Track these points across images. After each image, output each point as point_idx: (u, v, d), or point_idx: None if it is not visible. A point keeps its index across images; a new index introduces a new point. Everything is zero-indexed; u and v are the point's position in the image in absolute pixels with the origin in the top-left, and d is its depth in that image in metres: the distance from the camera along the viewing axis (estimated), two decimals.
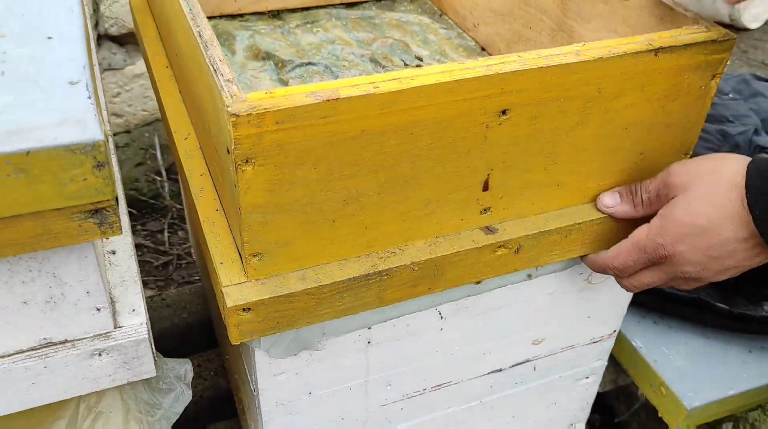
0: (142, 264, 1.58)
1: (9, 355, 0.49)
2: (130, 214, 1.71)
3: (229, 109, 0.46)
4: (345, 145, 0.51)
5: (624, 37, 0.57)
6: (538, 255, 0.64)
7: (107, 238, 0.46)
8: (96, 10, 1.56)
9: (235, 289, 0.55)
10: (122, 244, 0.58)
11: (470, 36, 0.96)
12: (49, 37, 0.48)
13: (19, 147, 0.38)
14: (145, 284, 1.52)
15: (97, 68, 0.78)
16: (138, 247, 1.62)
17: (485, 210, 0.61)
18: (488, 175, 0.58)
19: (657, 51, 0.56)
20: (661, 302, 1.06)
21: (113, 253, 0.57)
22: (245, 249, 0.53)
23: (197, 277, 1.53)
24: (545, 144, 0.58)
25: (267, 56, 0.90)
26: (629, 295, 0.79)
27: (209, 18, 0.98)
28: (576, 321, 0.78)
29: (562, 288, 0.73)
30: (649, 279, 0.61)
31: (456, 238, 0.60)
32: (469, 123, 0.54)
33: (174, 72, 0.78)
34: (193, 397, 0.66)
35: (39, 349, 0.49)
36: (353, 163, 0.52)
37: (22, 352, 0.49)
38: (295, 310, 0.56)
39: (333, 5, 1.04)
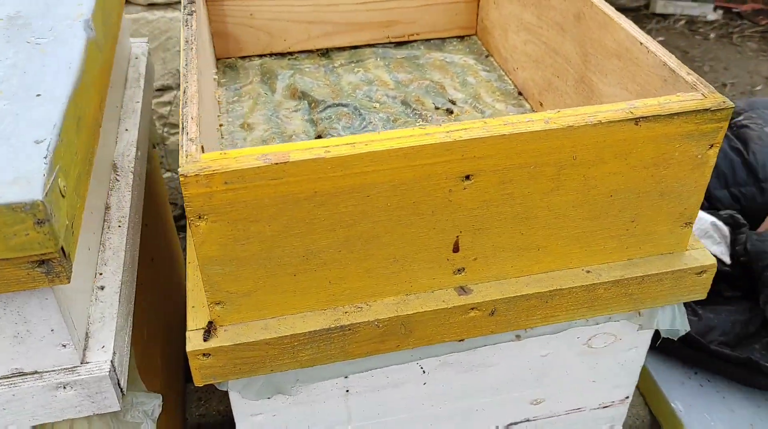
0: None
1: None
2: None
3: (180, 170, 0.49)
4: (298, 204, 0.52)
5: (604, 104, 0.54)
6: (516, 319, 0.62)
7: (57, 284, 0.49)
8: None
9: (198, 334, 0.57)
10: (112, 280, 0.62)
11: (510, 79, 0.95)
12: (38, 95, 0.53)
13: None
14: None
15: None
16: None
17: (459, 270, 0.60)
18: (457, 236, 0.57)
19: (638, 120, 0.53)
20: (707, 359, 1.00)
21: (102, 288, 0.61)
22: (207, 297, 0.56)
23: None
24: (518, 208, 0.57)
25: (302, 96, 0.93)
26: (640, 362, 0.74)
27: (259, 56, 1.02)
28: (578, 384, 0.74)
29: (557, 350, 0.70)
30: None
31: (427, 297, 0.60)
32: (429, 187, 0.53)
33: None
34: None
35: (10, 377, 0.54)
36: (308, 222, 0.53)
37: None
38: (256, 357, 0.58)
39: (382, 44, 1.06)
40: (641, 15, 2.63)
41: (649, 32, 2.54)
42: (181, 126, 0.53)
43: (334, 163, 0.50)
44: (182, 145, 0.51)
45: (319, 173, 0.51)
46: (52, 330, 0.52)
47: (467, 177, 0.54)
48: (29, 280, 0.47)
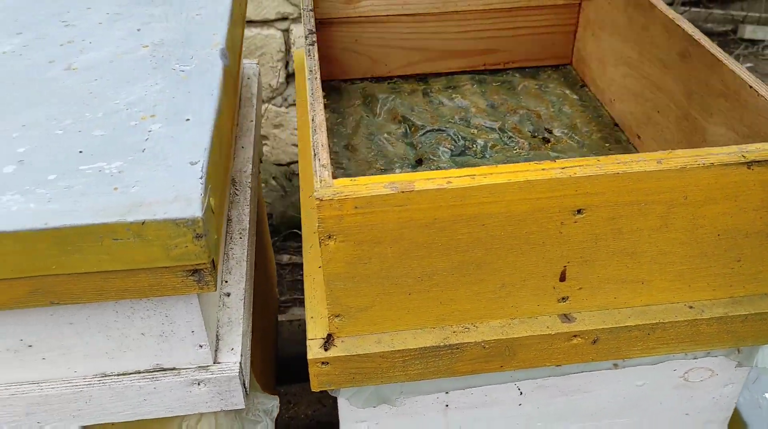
0: (298, 283, 1.72)
1: (128, 374, 0.60)
2: (295, 234, 1.88)
3: (315, 193, 0.53)
4: (418, 230, 0.56)
5: (716, 147, 0.56)
6: (618, 348, 0.64)
7: (205, 291, 0.55)
8: (287, 50, 1.76)
9: (318, 343, 0.62)
10: (237, 288, 0.68)
11: (606, 110, 0.97)
12: (187, 119, 0.59)
13: (136, 218, 0.48)
14: (295, 304, 1.66)
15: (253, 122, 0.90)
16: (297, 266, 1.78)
17: (563, 298, 0.62)
18: (565, 267, 0.60)
19: (750, 164, 0.55)
20: None
21: (228, 295, 0.67)
22: (328, 309, 0.60)
23: None
24: (626, 243, 0.59)
25: (403, 119, 0.97)
26: (735, 399, 0.75)
27: (360, 80, 1.08)
28: (672, 417, 0.75)
29: (654, 382, 0.71)
30: None
31: (532, 322, 0.63)
32: (542, 219, 0.56)
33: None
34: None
35: (152, 372, 0.60)
36: (426, 246, 0.57)
37: (139, 372, 0.60)
38: (369, 369, 0.62)
39: (478, 71, 1.09)
40: (729, 40, 2.57)
41: (737, 58, 2.48)
42: (312, 153, 0.58)
43: (454, 193, 0.54)
44: (316, 171, 0.56)
45: (441, 202, 0.54)
46: (192, 331, 0.58)
47: (579, 211, 0.56)
48: (182, 286, 0.52)
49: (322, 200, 0.53)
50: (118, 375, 0.59)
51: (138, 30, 0.73)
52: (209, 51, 0.69)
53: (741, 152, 0.55)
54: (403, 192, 0.54)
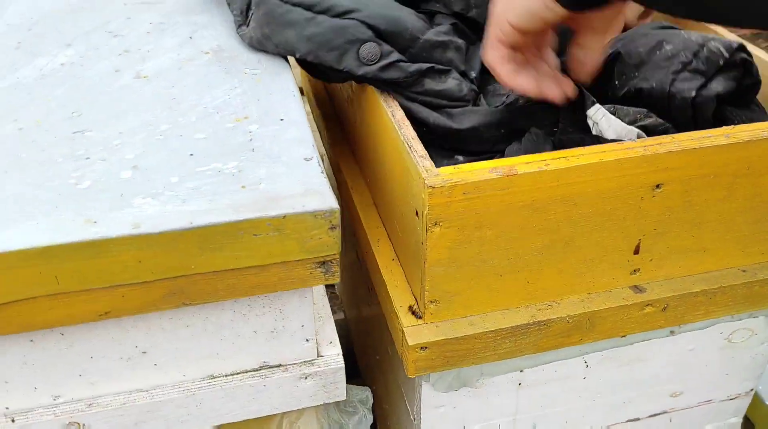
0: None
1: (237, 374, 0.60)
2: None
3: (426, 181, 0.56)
4: (517, 212, 0.59)
5: None
6: (684, 314, 0.69)
7: (330, 282, 0.56)
8: None
9: (414, 330, 0.64)
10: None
11: None
12: (281, 119, 0.60)
13: (277, 212, 0.49)
14: None
15: None
16: None
17: (635, 271, 0.67)
18: (640, 240, 0.65)
19: None
20: None
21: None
22: (425, 296, 0.63)
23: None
24: (694, 215, 0.64)
25: None
26: None
27: None
28: (714, 377, 0.81)
29: (703, 345, 0.77)
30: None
31: (608, 295, 0.67)
32: (626, 195, 0.61)
33: (343, 131, 0.90)
34: None
35: (259, 370, 0.60)
36: (522, 227, 0.60)
37: (246, 372, 0.60)
38: (462, 351, 0.65)
39: None
40: None
41: None
42: (406, 146, 0.60)
43: (552, 174, 0.58)
44: (417, 163, 0.58)
45: (539, 184, 0.58)
46: (302, 325, 0.59)
47: (657, 186, 0.61)
48: (310, 278, 0.54)
49: (434, 188, 0.56)
50: (227, 376, 0.60)
51: (190, 38, 0.73)
52: (271, 55, 0.70)
53: None
54: (507, 176, 0.57)
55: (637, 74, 0.71)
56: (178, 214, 0.49)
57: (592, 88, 0.70)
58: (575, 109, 0.67)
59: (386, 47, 0.65)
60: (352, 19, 0.64)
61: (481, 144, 0.68)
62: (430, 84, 0.66)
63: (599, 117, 0.62)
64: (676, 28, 0.76)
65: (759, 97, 0.73)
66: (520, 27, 0.61)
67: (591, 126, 0.66)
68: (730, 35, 0.78)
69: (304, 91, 1.09)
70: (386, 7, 0.68)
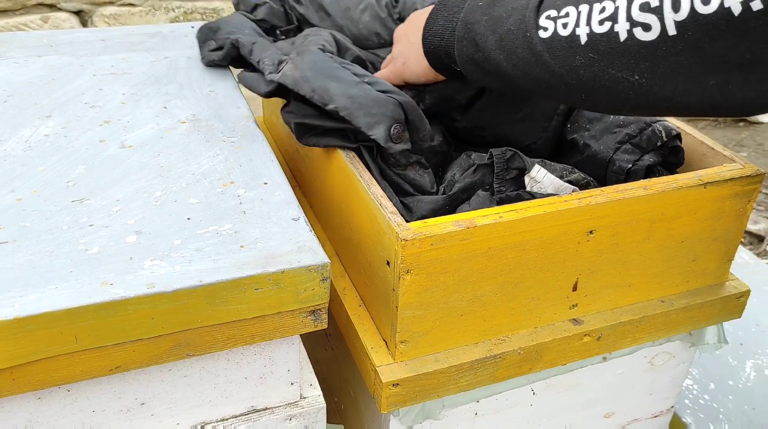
0: None
1: (227, 419, 0.65)
2: None
3: (399, 235, 0.64)
4: (476, 258, 0.68)
5: (681, 174, 0.75)
6: (615, 342, 0.79)
7: (319, 328, 0.62)
8: None
9: (386, 368, 0.71)
10: None
11: None
12: (265, 183, 0.67)
13: (276, 268, 0.56)
14: None
15: None
16: None
17: (574, 305, 0.77)
18: (577, 278, 0.75)
19: (705, 184, 0.74)
20: None
21: None
22: (396, 337, 0.70)
23: None
24: (620, 255, 0.75)
25: None
26: (685, 375, 0.93)
27: None
28: (641, 397, 0.92)
29: (630, 368, 0.88)
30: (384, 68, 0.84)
31: (552, 328, 0.77)
32: (565, 241, 0.71)
33: (304, 192, 0.97)
34: None
35: (248, 414, 0.66)
36: (480, 271, 0.69)
37: (236, 416, 0.65)
38: (429, 385, 0.72)
39: None
40: None
41: None
42: (377, 203, 0.68)
43: (505, 225, 0.67)
44: (389, 219, 0.66)
45: (494, 234, 0.67)
46: (288, 370, 0.65)
47: (591, 232, 0.72)
48: (301, 326, 0.60)
49: (407, 240, 0.64)
50: (218, 421, 0.64)
51: (165, 107, 0.79)
52: (245, 123, 0.77)
53: (698, 177, 0.74)
54: (468, 228, 0.66)
55: (588, 128, 0.82)
56: (187, 273, 0.54)
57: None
58: (507, 169, 0.76)
59: (406, 134, 0.73)
60: (394, 99, 0.72)
61: None
62: (412, 173, 0.75)
63: (541, 176, 0.72)
64: None
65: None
66: (412, 83, 0.82)
67: (527, 183, 0.76)
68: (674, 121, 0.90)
69: None
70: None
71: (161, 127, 0.75)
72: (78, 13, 1.85)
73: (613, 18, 0.55)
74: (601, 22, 0.55)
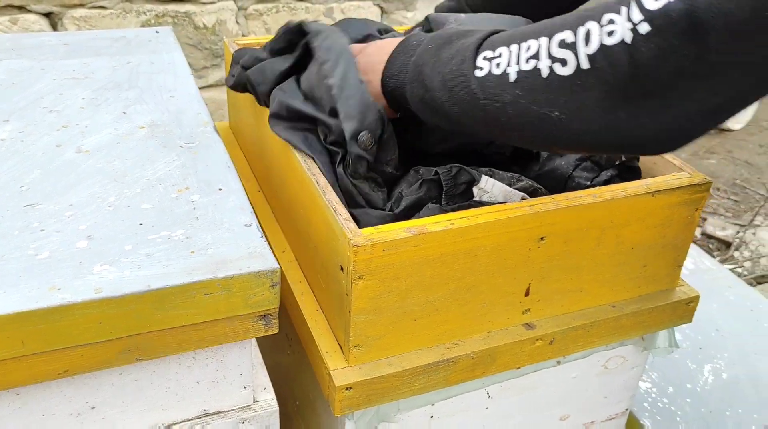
0: None
1: (179, 423, 0.65)
2: None
3: (351, 241, 0.65)
4: (428, 264, 0.69)
5: (630, 182, 0.77)
6: (567, 346, 0.81)
7: (270, 333, 0.63)
8: None
9: (340, 372, 0.72)
10: None
11: None
12: (220, 189, 0.68)
13: (226, 274, 0.57)
14: None
15: None
16: None
17: (526, 310, 0.79)
18: (529, 284, 0.76)
19: (654, 193, 0.76)
20: None
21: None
22: (350, 341, 0.71)
23: None
24: (572, 261, 0.77)
25: None
26: (638, 379, 0.95)
27: None
28: (595, 400, 0.94)
29: (583, 372, 0.89)
30: None
31: (504, 332, 0.78)
32: (517, 247, 0.72)
33: (266, 197, 0.98)
34: None
35: (200, 418, 0.66)
36: (432, 277, 0.70)
37: (188, 420, 0.66)
38: (383, 388, 0.73)
39: None
40: None
41: None
42: (332, 209, 0.69)
43: (457, 232, 0.68)
44: (342, 225, 0.67)
45: (446, 240, 0.68)
46: (241, 374, 0.66)
47: (542, 238, 0.73)
48: (252, 330, 0.61)
49: (358, 246, 0.65)
50: (170, 425, 0.65)
51: (124, 113, 0.80)
52: (203, 129, 0.78)
53: (646, 185, 0.76)
54: (420, 234, 0.67)
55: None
56: (136, 278, 0.55)
57: None
58: (455, 185, 0.77)
59: (374, 148, 0.74)
60: (381, 113, 0.73)
61: None
62: (367, 187, 0.75)
63: (490, 186, 0.74)
64: None
65: None
66: None
67: (476, 195, 0.77)
68: None
69: None
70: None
71: (119, 132, 0.75)
72: (48, 15, 1.84)
73: (537, 56, 0.58)
74: (527, 60, 0.59)
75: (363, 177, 0.74)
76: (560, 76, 0.57)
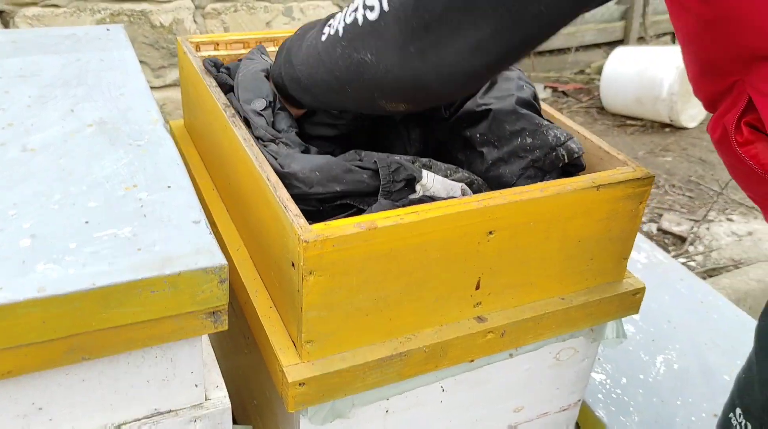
0: None
1: (129, 422, 0.65)
2: None
3: (301, 237, 0.65)
4: (378, 259, 0.70)
5: (576, 177, 0.78)
6: (518, 338, 0.82)
7: (219, 330, 0.63)
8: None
9: (294, 368, 0.72)
10: None
11: None
12: (168, 186, 0.67)
13: (172, 270, 0.57)
14: None
15: None
16: None
17: (477, 304, 0.80)
18: (479, 278, 0.78)
19: (598, 187, 0.77)
20: None
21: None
22: (302, 338, 0.71)
23: None
24: (520, 255, 0.78)
25: None
26: (590, 370, 0.97)
27: None
28: (548, 392, 0.96)
29: (536, 364, 0.91)
30: None
31: (456, 326, 0.79)
32: (466, 242, 0.74)
33: (221, 195, 0.98)
34: None
35: (151, 417, 0.66)
36: (383, 272, 0.71)
37: (138, 419, 0.65)
38: (336, 384, 0.74)
39: None
40: None
41: None
42: (282, 206, 0.70)
43: (406, 227, 0.69)
44: (292, 221, 0.67)
45: (396, 235, 0.69)
46: (192, 372, 0.65)
47: (490, 232, 0.75)
48: (201, 328, 0.61)
49: (308, 242, 0.65)
50: (121, 425, 0.65)
51: (72, 110, 0.79)
52: (153, 127, 0.77)
53: (591, 180, 0.78)
54: (369, 229, 0.68)
55: (497, 146, 0.86)
56: (81, 276, 0.55)
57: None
58: (393, 182, 0.78)
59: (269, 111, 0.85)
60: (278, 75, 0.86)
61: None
62: (275, 147, 0.81)
63: (431, 183, 0.75)
64: (536, 107, 0.91)
65: None
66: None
67: (419, 191, 0.78)
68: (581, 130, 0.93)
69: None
70: None
71: (66, 130, 0.75)
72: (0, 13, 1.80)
73: (356, 8, 0.67)
74: (349, 14, 0.69)
75: (269, 140, 0.81)
76: (370, 20, 0.65)
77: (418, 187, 0.75)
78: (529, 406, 0.96)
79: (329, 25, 0.73)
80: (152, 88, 1.96)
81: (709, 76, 0.62)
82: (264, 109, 0.86)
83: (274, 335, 0.76)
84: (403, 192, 0.75)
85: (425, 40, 0.62)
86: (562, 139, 0.84)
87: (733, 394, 0.75)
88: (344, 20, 0.69)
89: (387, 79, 0.67)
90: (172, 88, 2.05)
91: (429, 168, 0.76)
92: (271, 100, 0.88)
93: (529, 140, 0.86)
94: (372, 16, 0.65)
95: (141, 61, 1.91)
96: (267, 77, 0.93)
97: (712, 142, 0.64)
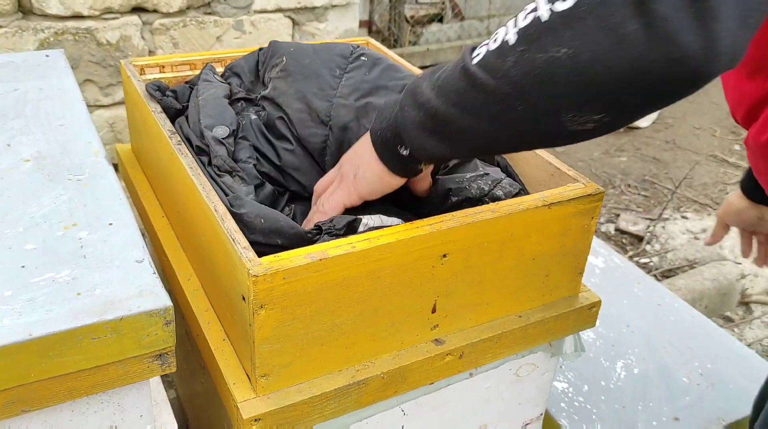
0: None
1: None
2: None
3: (250, 271, 0.64)
4: (331, 289, 0.69)
5: (527, 196, 0.78)
6: (477, 358, 0.82)
7: (167, 372, 0.61)
8: None
9: (248, 404, 0.70)
10: None
11: None
12: (110, 223, 0.65)
13: (114, 315, 0.55)
14: None
15: None
16: None
17: (434, 326, 0.79)
18: (435, 301, 0.77)
19: (550, 205, 0.77)
20: None
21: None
22: (256, 372, 0.69)
23: None
24: (475, 275, 0.78)
25: None
26: (550, 383, 0.97)
27: None
28: (511, 408, 0.95)
29: (496, 382, 0.91)
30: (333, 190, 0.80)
31: (414, 350, 0.78)
32: (420, 266, 0.73)
33: (171, 222, 0.95)
34: None
35: None
36: (336, 301, 0.70)
37: None
38: (293, 416, 0.72)
39: None
40: None
41: None
42: (230, 238, 0.68)
43: (358, 255, 0.68)
44: (241, 254, 0.66)
45: (348, 264, 0.68)
46: (141, 416, 0.63)
47: (444, 255, 0.74)
48: (148, 371, 0.59)
49: (257, 276, 0.63)
50: None
51: (8, 145, 0.76)
52: (94, 159, 0.75)
53: (542, 198, 0.78)
54: (320, 260, 0.66)
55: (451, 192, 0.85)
56: (16, 327, 0.52)
57: None
58: (333, 227, 0.77)
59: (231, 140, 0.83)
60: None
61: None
62: (229, 180, 0.80)
63: (373, 221, 0.75)
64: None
65: None
66: (369, 198, 0.79)
67: (360, 228, 0.77)
68: None
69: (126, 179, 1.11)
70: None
71: (2, 166, 0.72)
72: None
73: (535, 9, 0.58)
74: (525, 17, 0.59)
75: (225, 170, 0.80)
76: (561, 11, 0.56)
77: (361, 226, 0.74)
78: (492, 424, 0.95)
79: (483, 46, 0.62)
80: (101, 106, 1.92)
81: (760, 77, 0.57)
82: (226, 137, 0.85)
83: (227, 369, 0.74)
84: (346, 233, 0.74)
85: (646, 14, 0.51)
86: (487, 189, 0.83)
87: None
88: (515, 27, 0.59)
89: (592, 69, 0.55)
90: (122, 106, 2.00)
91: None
92: (234, 128, 0.87)
93: (454, 199, 0.84)
94: (563, 6, 0.55)
95: (88, 80, 1.87)
96: (230, 103, 0.92)
97: (757, 147, 0.59)
